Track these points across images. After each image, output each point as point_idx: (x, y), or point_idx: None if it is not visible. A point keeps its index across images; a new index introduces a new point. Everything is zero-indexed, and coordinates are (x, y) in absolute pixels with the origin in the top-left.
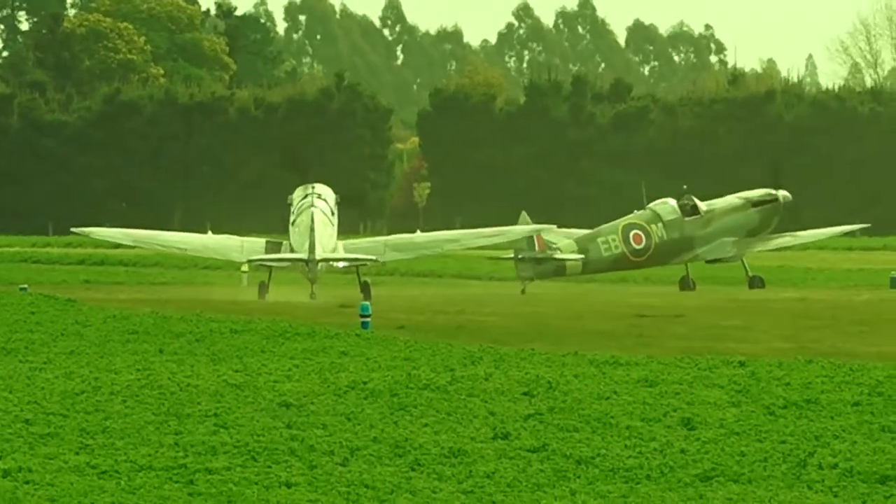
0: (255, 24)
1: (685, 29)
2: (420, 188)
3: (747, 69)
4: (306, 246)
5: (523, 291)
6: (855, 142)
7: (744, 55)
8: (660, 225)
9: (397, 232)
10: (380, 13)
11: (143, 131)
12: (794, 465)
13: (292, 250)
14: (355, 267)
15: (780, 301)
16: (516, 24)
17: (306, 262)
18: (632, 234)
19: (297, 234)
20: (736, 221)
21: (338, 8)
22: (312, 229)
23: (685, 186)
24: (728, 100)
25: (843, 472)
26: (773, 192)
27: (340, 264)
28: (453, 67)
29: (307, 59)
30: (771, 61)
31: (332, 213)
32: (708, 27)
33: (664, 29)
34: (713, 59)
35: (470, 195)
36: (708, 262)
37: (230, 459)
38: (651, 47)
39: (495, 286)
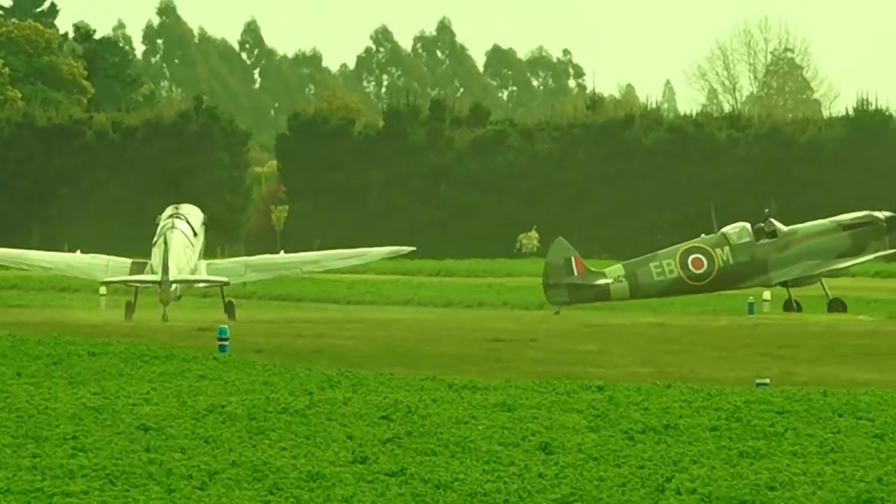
0: (114, 47)
1: (544, 54)
2: (277, 211)
3: (606, 94)
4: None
5: (557, 313)
6: (713, 167)
7: (602, 80)
8: (726, 249)
9: (255, 255)
10: (238, 37)
11: (0, 154)
12: (653, 490)
13: (153, 271)
14: (220, 288)
15: (637, 326)
16: (375, 48)
17: (159, 283)
18: (691, 258)
19: (155, 255)
20: (822, 244)
21: (196, 31)
22: (166, 251)
23: (767, 210)
24: (586, 125)
25: (701, 497)
26: (873, 214)
27: (201, 285)
28: (312, 91)
29: (165, 83)
30: (630, 86)
31: (195, 235)
32: (566, 52)
33: (523, 54)
34: (572, 84)
35: (328, 218)
36: (781, 285)
37: (88, 483)
38: (509, 72)
39: (353, 310)
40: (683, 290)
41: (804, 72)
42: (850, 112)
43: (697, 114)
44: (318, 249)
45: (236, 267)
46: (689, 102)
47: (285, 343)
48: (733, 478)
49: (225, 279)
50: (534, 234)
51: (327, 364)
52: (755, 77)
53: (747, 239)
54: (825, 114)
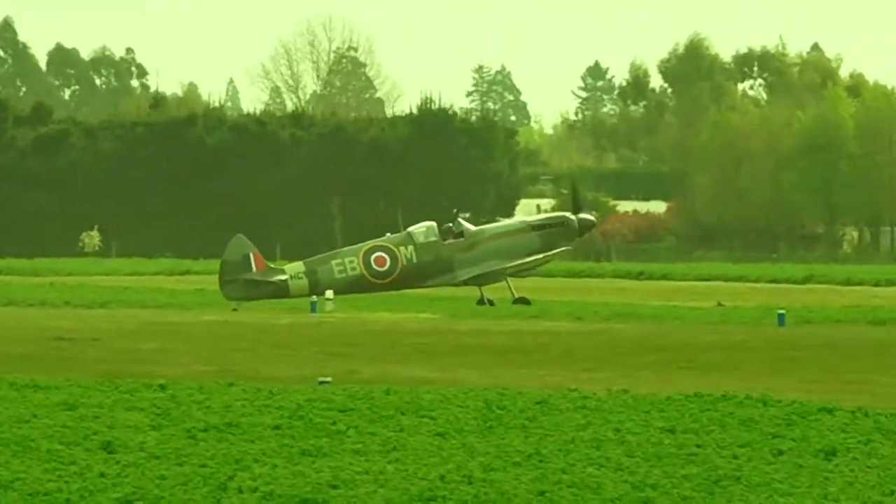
0: None
1: (107, 53)
2: None
3: (169, 93)
4: None
5: (235, 310)
6: (276, 166)
7: (166, 79)
8: (410, 248)
9: None
10: None
11: None
12: (215, 489)
13: None
14: None
15: (200, 324)
16: None
17: None
18: (374, 256)
19: None
20: (510, 244)
21: None
22: None
23: (455, 210)
24: (149, 123)
25: (263, 495)
26: (565, 215)
27: None
28: None
29: None
30: (192, 85)
31: None
32: (129, 51)
33: (85, 52)
34: (135, 83)
35: None
36: (466, 283)
37: None
38: (72, 71)
39: None
40: (366, 287)
41: (367, 70)
42: (414, 111)
43: (261, 112)
44: None
45: None
46: (253, 101)
47: None
48: (295, 476)
49: None
50: (95, 232)
51: None
52: (318, 76)
53: (433, 238)
54: (389, 113)
